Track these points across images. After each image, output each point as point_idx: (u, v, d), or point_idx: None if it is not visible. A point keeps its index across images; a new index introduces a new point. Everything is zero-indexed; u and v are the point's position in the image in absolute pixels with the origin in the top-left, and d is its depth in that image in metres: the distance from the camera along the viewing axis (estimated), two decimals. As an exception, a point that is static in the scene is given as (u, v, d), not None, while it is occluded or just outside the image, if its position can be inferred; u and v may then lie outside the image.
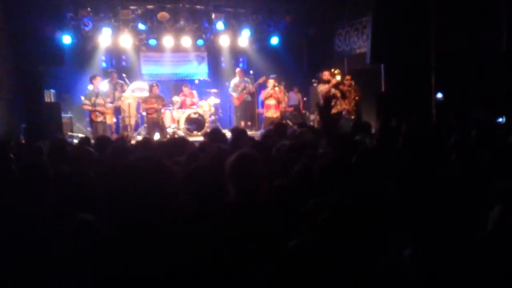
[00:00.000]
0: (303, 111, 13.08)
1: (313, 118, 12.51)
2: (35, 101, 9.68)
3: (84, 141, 6.47)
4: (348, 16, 12.26)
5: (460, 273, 1.86)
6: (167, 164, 2.15)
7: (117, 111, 11.69)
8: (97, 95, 10.26)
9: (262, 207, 2.51)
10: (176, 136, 10.16)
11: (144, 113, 11.37)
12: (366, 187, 2.05)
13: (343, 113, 10.19)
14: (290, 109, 12.75)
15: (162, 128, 11.10)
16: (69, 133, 10.84)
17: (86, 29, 11.84)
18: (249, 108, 12.95)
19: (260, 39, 13.78)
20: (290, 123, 11.37)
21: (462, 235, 2.02)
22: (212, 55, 14.68)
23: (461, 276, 1.87)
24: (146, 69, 14.22)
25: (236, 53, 14.53)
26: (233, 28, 13.07)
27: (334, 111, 9.79)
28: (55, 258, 2.10)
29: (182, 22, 12.60)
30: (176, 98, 12.09)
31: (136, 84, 12.37)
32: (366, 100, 10.76)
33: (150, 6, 12.17)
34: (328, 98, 9.23)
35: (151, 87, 11.17)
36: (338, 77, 10.12)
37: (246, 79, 12.75)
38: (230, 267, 2.07)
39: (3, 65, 9.13)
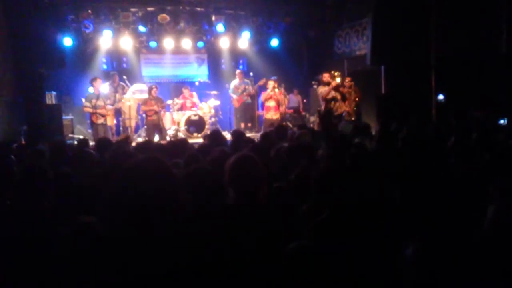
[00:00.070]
0: (303, 113, 13.09)
1: (313, 120, 12.52)
2: (36, 103, 9.70)
3: (82, 143, 6.49)
4: (347, 17, 12.28)
5: (460, 273, 1.86)
6: (167, 165, 2.16)
7: (118, 113, 11.70)
8: (97, 97, 10.27)
9: (261, 208, 2.51)
10: (175, 138, 10.18)
11: (143, 115, 11.38)
12: (366, 188, 2.06)
13: (343, 114, 10.19)
14: (290, 111, 12.75)
15: (161, 130, 11.11)
16: (70, 135, 10.84)
17: (87, 31, 11.86)
18: (249, 110, 12.97)
19: (260, 41, 13.80)
20: (290, 125, 11.38)
21: (462, 235, 2.02)
22: (212, 57, 14.70)
23: (461, 276, 1.87)
24: (147, 71, 14.24)
25: (236, 55, 14.55)
26: (233, 30, 13.09)
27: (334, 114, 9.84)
28: (55, 258, 2.11)
29: (182, 24, 12.61)
30: (176, 101, 12.10)
31: (136, 86, 12.37)
32: (366, 102, 10.77)
33: (150, 9, 12.18)
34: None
35: (150, 89, 11.17)
36: (338, 79, 10.13)
37: (246, 80, 12.76)
38: (230, 268, 2.07)
39: (4, 67, 9.14)
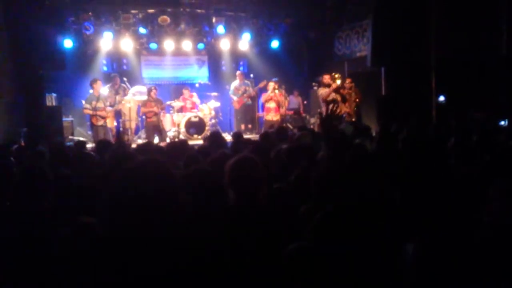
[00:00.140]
0: (304, 115, 13.09)
1: (314, 121, 12.53)
2: (36, 104, 9.70)
3: (79, 145, 6.51)
4: (348, 19, 12.29)
5: (460, 273, 1.86)
6: (167, 167, 2.16)
7: (118, 114, 11.70)
8: (97, 99, 10.26)
9: (261, 209, 2.51)
10: (176, 139, 10.19)
11: (143, 117, 11.39)
12: (366, 188, 2.06)
13: (344, 116, 10.19)
14: (290, 112, 12.75)
15: (161, 132, 11.11)
16: (70, 137, 10.84)
17: (88, 33, 11.88)
18: (250, 111, 12.97)
19: (260, 43, 13.81)
20: (291, 127, 11.38)
21: (462, 236, 2.02)
22: (213, 59, 14.71)
23: (461, 276, 1.87)
24: (147, 72, 14.25)
25: (237, 57, 14.56)
26: (234, 31, 13.10)
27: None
28: (54, 259, 2.11)
29: (182, 26, 12.62)
30: (177, 103, 12.10)
31: (136, 88, 12.40)
32: (366, 103, 10.78)
33: (151, 10, 12.20)
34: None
35: (149, 90, 11.18)
36: (339, 81, 10.13)
37: (246, 82, 12.78)
38: (230, 268, 2.07)
39: (4, 68, 9.15)
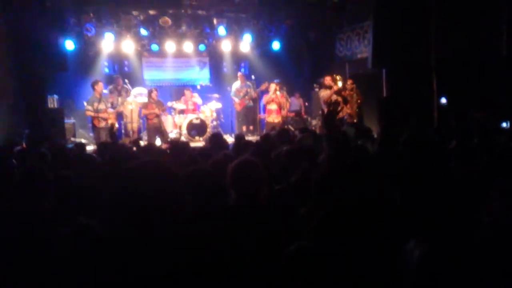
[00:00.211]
0: (305, 116, 13.09)
1: (315, 123, 12.53)
2: (38, 106, 9.73)
3: (80, 146, 6.54)
4: (349, 20, 12.30)
5: (460, 274, 1.85)
6: (168, 167, 2.17)
7: (120, 116, 11.72)
8: (99, 100, 10.27)
9: (261, 209, 2.51)
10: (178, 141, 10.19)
11: (144, 119, 11.40)
12: (366, 189, 2.06)
13: (345, 117, 10.19)
14: (292, 114, 12.76)
15: (163, 133, 11.11)
16: (72, 139, 10.86)
17: (89, 34, 11.91)
18: (251, 113, 12.98)
19: (261, 44, 13.82)
20: (292, 128, 11.38)
21: (462, 236, 2.02)
22: (214, 60, 14.73)
23: (461, 277, 1.86)
24: (148, 74, 14.27)
25: (238, 58, 14.57)
26: (235, 33, 13.12)
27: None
28: (54, 259, 2.11)
29: (184, 28, 12.65)
30: (179, 104, 12.12)
31: (137, 90, 12.43)
32: (367, 105, 10.77)
33: (152, 12, 12.23)
34: (334, 107, 9.30)
35: (150, 92, 11.19)
36: (340, 83, 10.14)
37: (248, 83, 12.78)
38: (230, 269, 2.07)
39: (6, 70, 9.17)
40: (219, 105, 12.73)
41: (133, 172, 2.09)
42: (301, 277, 2.00)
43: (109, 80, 12.78)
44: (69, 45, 11.29)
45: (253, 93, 12.61)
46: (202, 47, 13.49)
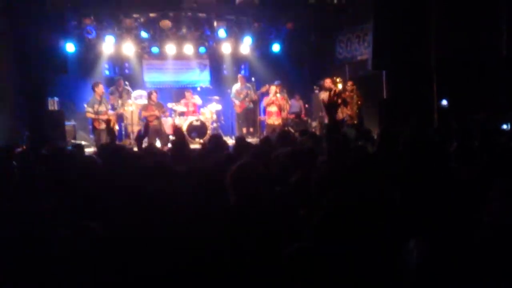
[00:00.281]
0: (305, 118, 13.09)
1: (315, 125, 12.53)
2: (38, 109, 9.73)
3: (77, 148, 6.54)
4: (349, 22, 12.31)
5: (461, 274, 1.85)
6: (169, 168, 2.18)
7: (120, 118, 11.73)
8: (100, 102, 10.28)
9: (261, 209, 2.52)
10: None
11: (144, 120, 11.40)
12: (366, 188, 2.06)
13: (345, 119, 10.20)
14: (292, 116, 12.76)
15: (162, 136, 11.12)
16: (72, 141, 10.84)
17: (90, 37, 11.93)
18: (251, 115, 12.98)
19: (261, 46, 13.84)
20: (292, 130, 11.37)
21: (462, 236, 2.02)
22: (214, 63, 14.74)
23: (461, 277, 1.86)
24: (149, 76, 14.28)
25: (238, 60, 14.59)
26: (235, 35, 13.14)
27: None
28: (55, 259, 2.11)
29: (184, 30, 12.68)
30: (179, 106, 12.13)
31: (138, 92, 12.45)
32: (368, 107, 10.77)
33: (152, 15, 12.25)
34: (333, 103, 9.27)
35: (150, 94, 11.19)
36: (340, 86, 10.14)
37: (248, 85, 12.79)
38: (230, 268, 2.07)
39: (7, 72, 9.18)
40: (219, 107, 12.74)
41: (136, 173, 2.10)
42: (301, 277, 2.00)
43: (110, 82, 12.78)
44: (70, 47, 11.30)
45: (253, 95, 12.62)
46: (202, 49, 13.51)
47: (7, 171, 4.45)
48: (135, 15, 12.11)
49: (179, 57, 13.77)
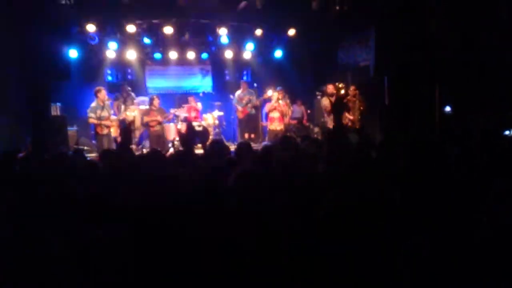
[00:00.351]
0: (307, 124, 13.10)
1: (317, 130, 12.53)
2: (41, 114, 9.76)
3: (78, 152, 6.58)
4: (351, 29, 12.32)
5: (461, 274, 1.86)
6: (173, 173, 2.19)
7: (123, 124, 11.74)
8: (102, 108, 10.31)
9: (263, 213, 2.52)
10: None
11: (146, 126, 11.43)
12: (366, 188, 2.06)
13: (348, 124, 10.20)
14: (294, 122, 12.77)
15: (164, 141, 11.14)
16: (75, 146, 10.87)
17: (93, 43, 11.98)
18: (253, 121, 12.99)
19: (264, 52, 13.88)
20: (294, 136, 11.37)
21: (462, 236, 2.02)
22: (217, 68, 14.79)
23: (461, 277, 1.86)
24: (151, 82, 14.34)
25: (240, 66, 14.64)
26: (237, 41, 13.19)
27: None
28: (55, 259, 2.12)
29: (186, 36, 12.73)
30: (181, 112, 12.16)
31: (141, 98, 12.51)
32: (370, 113, 10.77)
33: (155, 21, 12.30)
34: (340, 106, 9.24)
35: (151, 99, 11.22)
36: (343, 91, 10.17)
37: (250, 91, 12.83)
38: (230, 268, 2.07)
39: (10, 78, 9.23)
40: (221, 112, 12.77)
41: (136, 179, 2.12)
42: (301, 277, 2.00)
43: (112, 88, 12.83)
44: (73, 53, 11.37)
45: (256, 101, 12.65)
46: (204, 55, 13.58)
47: (9, 176, 4.46)
48: (138, 21, 12.17)
49: (182, 63, 13.83)
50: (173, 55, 13.14)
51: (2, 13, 8.92)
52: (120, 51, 12.64)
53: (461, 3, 9.02)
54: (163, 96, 12.71)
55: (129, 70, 14.03)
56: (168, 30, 11.85)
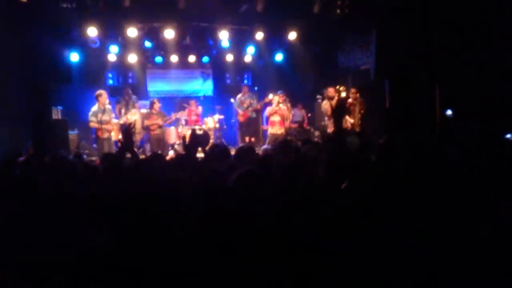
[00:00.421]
0: (308, 127, 13.10)
1: (318, 134, 12.53)
2: (42, 118, 9.77)
3: (77, 156, 6.59)
4: (352, 32, 12.33)
5: (461, 273, 1.85)
6: (172, 177, 2.19)
7: (124, 127, 11.75)
8: (103, 112, 10.30)
9: (262, 210, 2.52)
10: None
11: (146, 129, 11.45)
12: (366, 188, 2.06)
13: (348, 127, 10.20)
14: (295, 125, 12.77)
15: (165, 145, 11.14)
16: (75, 150, 10.88)
17: (94, 46, 12.00)
18: (254, 124, 13.01)
19: (264, 56, 13.90)
20: (295, 140, 11.38)
21: (463, 236, 2.02)
22: (218, 72, 14.82)
23: (461, 276, 1.86)
24: (152, 86, 14.37)
25: (241, 70, 14.66)
26: (238, 45, 13.21)
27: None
28: (56, 262, 2.12)
29: (187, 40, 12.75)
30: (182, 116, 12.18)
31: (143, 102, 12.55)
32: (370, 116, 10.77)
33: (156, 24, 12.32)
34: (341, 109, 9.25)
35: (152, 103, 11.24)
36: (343, 94, 10.17)
37: (251, 94, 12.86)
38: (229, 268, 2.07)
39: (11, 81, 9.24)
40: (221, 116, 12.79)
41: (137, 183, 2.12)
42: (301, 278, 2.00)
43: (114, 91, 12.86)
44: (74, 57, 11.39)
45: (257, 105, 12.66)
46: (205, 58, 13.62)
47: (9, 180, 4.46)
48: (139, 25, 12.19)
49: (183, 66, 13.87)
50: (174, 58, 13.18)
51: (3, 15, 8.93)
52: (121, 55, 12.67)
53: (461, 3, 9.00)
54: (164, 99, 12.73)
55: (130, 74, 14.07)
56: (169, 33, 11.84)
